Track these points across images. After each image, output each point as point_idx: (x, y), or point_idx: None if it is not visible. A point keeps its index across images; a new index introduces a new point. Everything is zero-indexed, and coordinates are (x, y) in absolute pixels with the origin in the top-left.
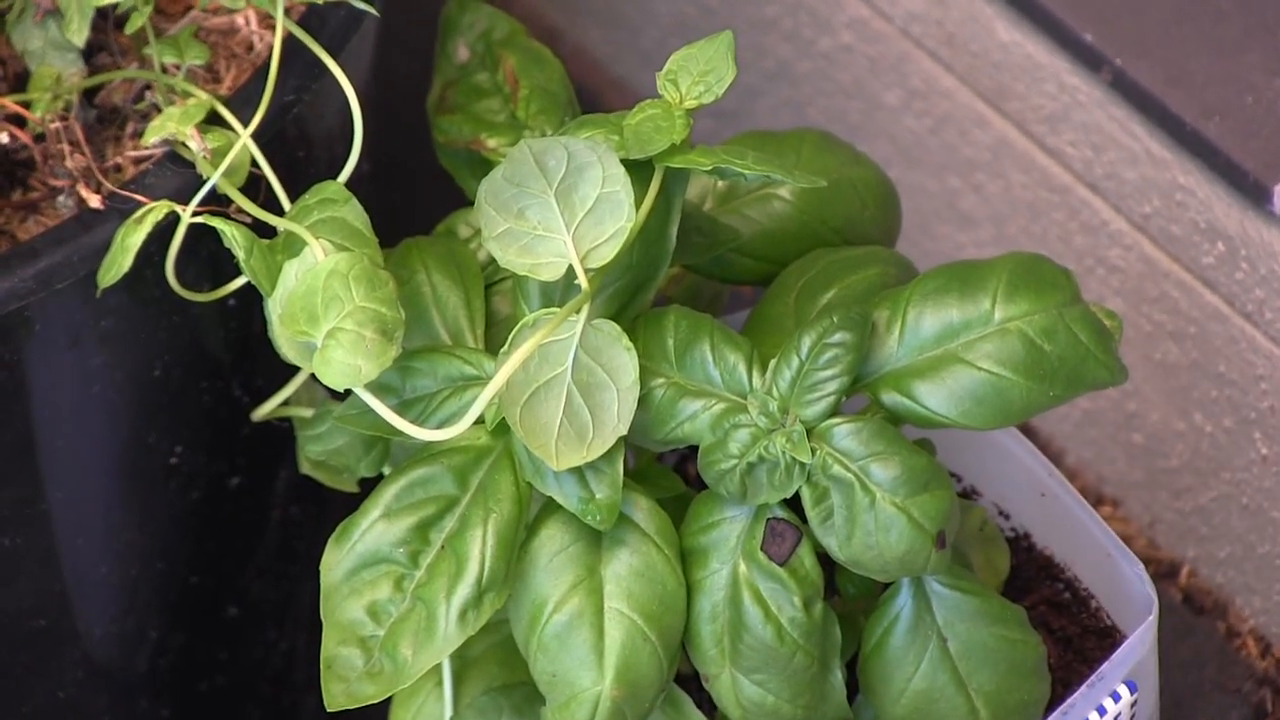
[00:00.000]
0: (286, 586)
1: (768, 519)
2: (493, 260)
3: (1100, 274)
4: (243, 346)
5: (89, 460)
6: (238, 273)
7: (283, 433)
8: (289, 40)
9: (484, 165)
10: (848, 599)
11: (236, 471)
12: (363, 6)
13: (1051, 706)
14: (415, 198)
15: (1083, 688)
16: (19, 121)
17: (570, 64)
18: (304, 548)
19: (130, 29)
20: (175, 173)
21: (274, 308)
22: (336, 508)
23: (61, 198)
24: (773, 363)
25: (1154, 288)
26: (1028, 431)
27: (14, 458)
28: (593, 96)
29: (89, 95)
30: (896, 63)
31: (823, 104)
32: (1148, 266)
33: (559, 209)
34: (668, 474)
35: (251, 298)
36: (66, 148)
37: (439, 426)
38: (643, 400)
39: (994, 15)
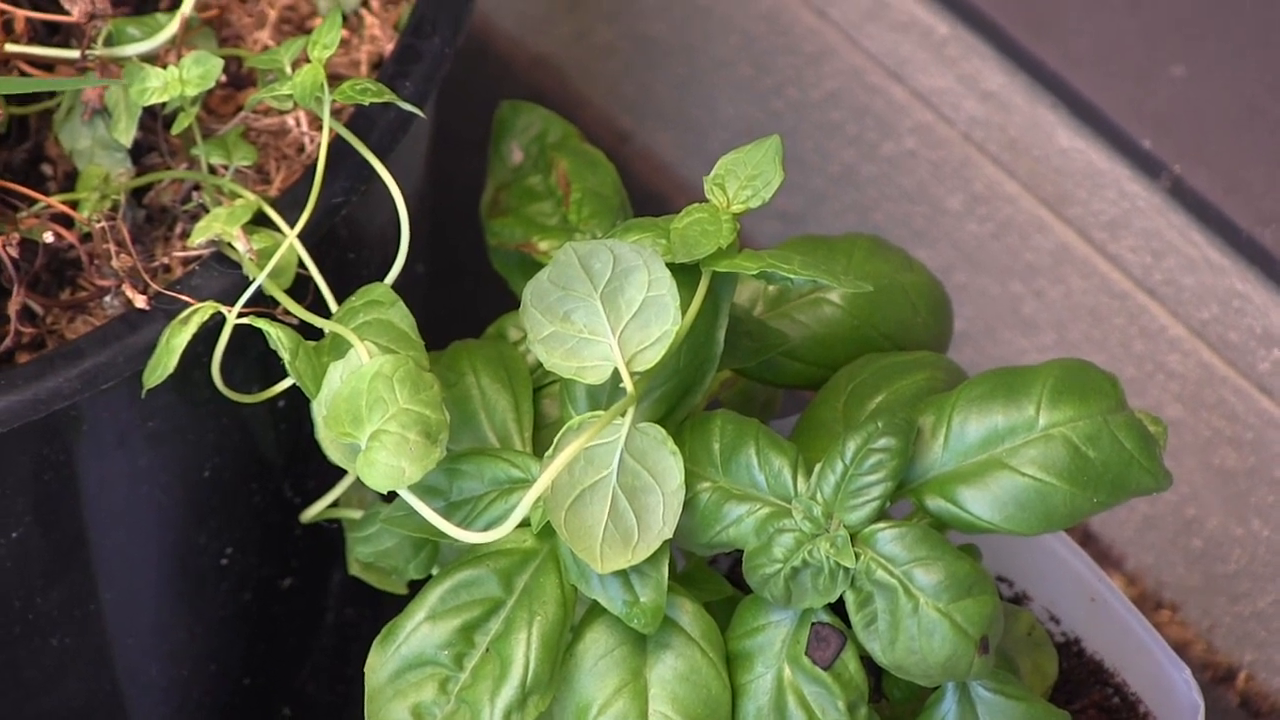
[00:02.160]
0: (342, 688)
1: (812, 623)
2: (541, 364)
3: (1160, 379)
4: (293, 447)
5: (139, 560)
6: (283, 372)
7: (334, 534)
8: (338, 142)
9: (535, 268)
10: (894, 703)
11: (289, 573)
12: (410, 109)
13: None
14: (469, 299)
15: None
16: (66, 221)
17: (638, 166)
18: (358, 649)
19: (177, 129)
20: (222, 273)
21: (319, 409)
22: (390, 609)
23: (108, 297)
24: (818, 467)
25: (1212, 393)
26: (1087, 536)
27: (64, 557)
28: (661, 199)
29: (137, 195)
30: (959, 167)
31: (887, 208)
32: (1205, 372)
33: (605, 312)
34: (714, 577)
35: (300, 399)
36: (113, 248)
37: (485, 529)
38: (688, 504)
39: (1055, 122)
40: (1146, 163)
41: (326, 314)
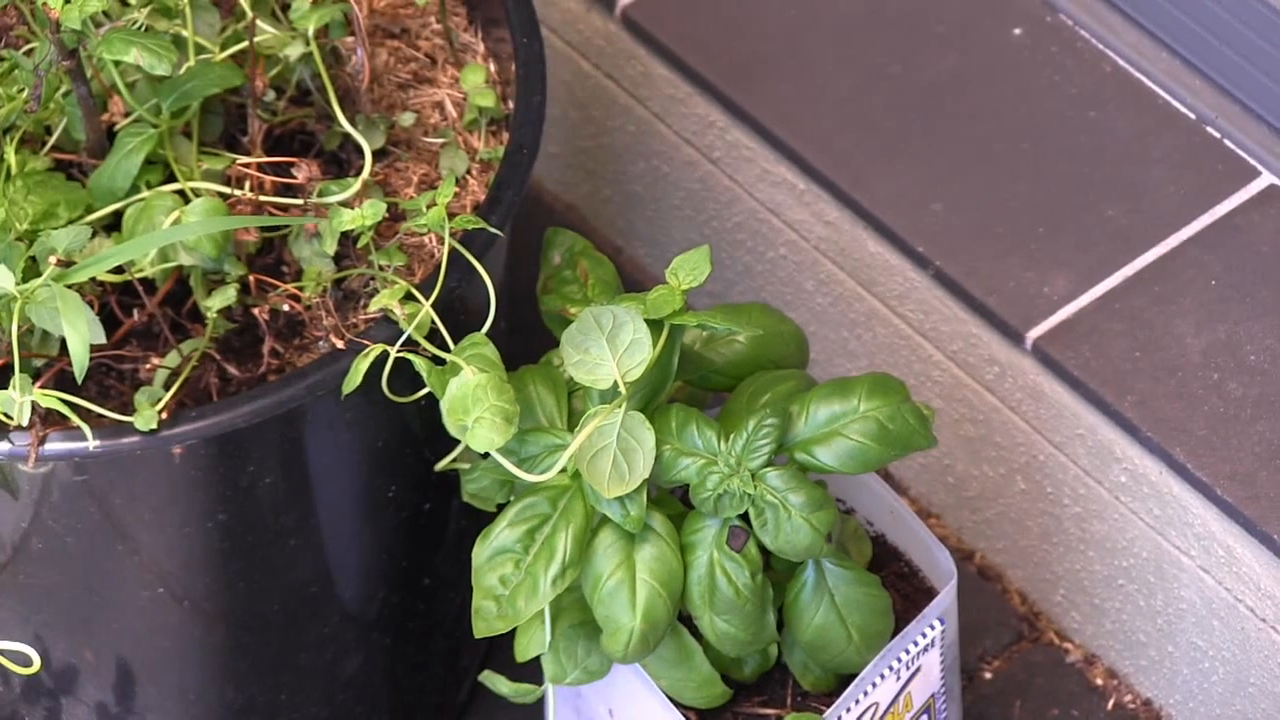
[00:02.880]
0: (458, 567)
1: (730, 526)
2: (572, 377)
3: (929, 385)
4: (430, 426)
5: (341, 495)
6: (424, 385)
7: (454, 477)
8: (453, 250)
9: (568, 323)
10: (777, 572)
11: (428, 500)
12: (495, 232)
13: (895, 633)
14: (530, 342)
15: (913, 623)
16: (296, 298)
17: (626, 267)
18: (468, 543)
19: (361, 244)
20: (387, 328)
21: (445, 405)
22: (486, 520)
23: (321, 343)
24: (732, 436)
25: (959, 393)
26: (887, 474)
27: (296, 495)
28: (639, 285)
29: (337, 283)
30: (811, 265)
31: (770, 289)
32: (955, 380)
33: (608, 348)
34: (673, 500)
35: (433, 399)
36: (324, 314)
37: (540, 473)
38: (657, 458)
39: (866, 237)
40: (920, 260)
41: (447, 350)
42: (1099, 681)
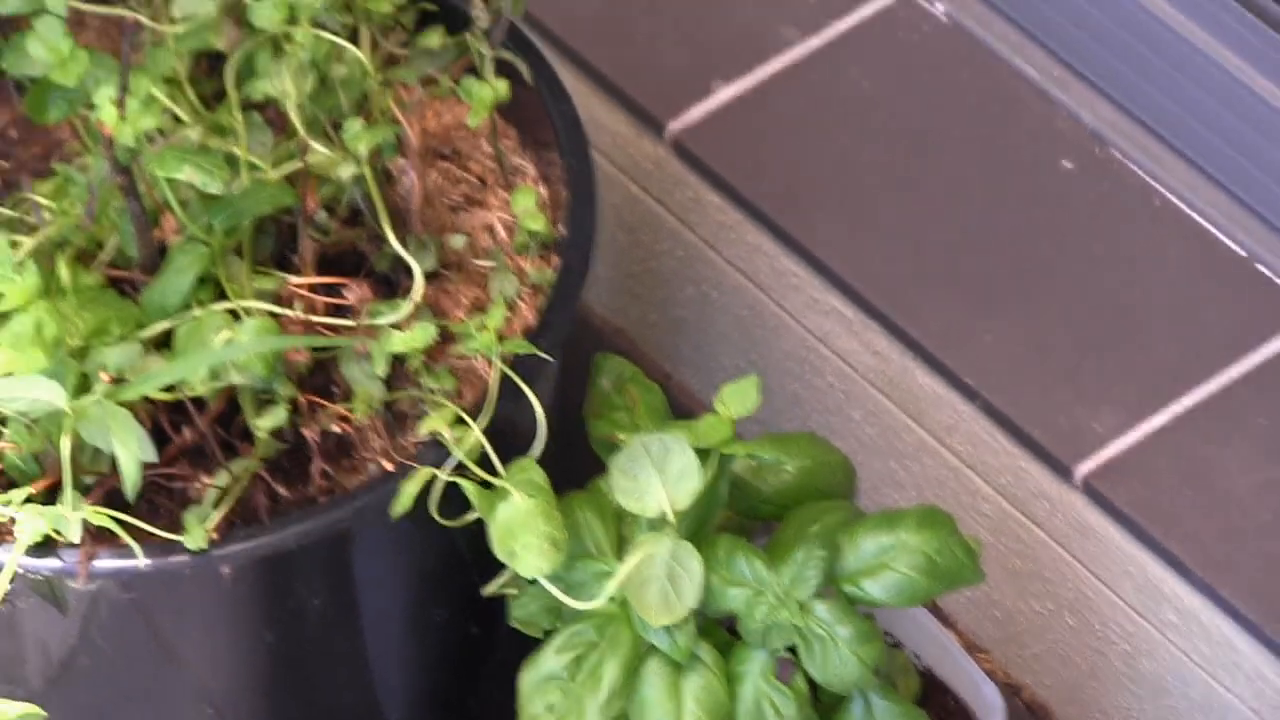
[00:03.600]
0: (505, 692)
1: (778, 658)
2: (620, 505)
3: (975, 518)
4: (478, 550)
5: (388, 618)
6: (472, 508)
7: (501, 601)
8: (503, 374)
9: (617, 449)
10: (824, 704)
11: (475, 624)
12: (545, 357)
13: None
14: (579, 466)
15: None
16: (346, 420)
17: (675, 393)
18: (515, 669)
19: (411, 366)
20: (437, 451)
21: (493, 530)
22: (533, 645)
23: (371, 464)
24: (780, 567)
25: (1006, 527)
26: (935, 607)
27: (344, 616)
28: (687, 412)
29: (387, 405)
30: (860, 395)
31: (817, 418)
32: (1003, 514)
33: (658, 476)
34: (720, 630)
35: (481, 523)
36: (373, 436)
37: (588, 600)
38: (705, 587)
39: (916, 368)
40: (969, 392)
41: (496, 474)
42: None
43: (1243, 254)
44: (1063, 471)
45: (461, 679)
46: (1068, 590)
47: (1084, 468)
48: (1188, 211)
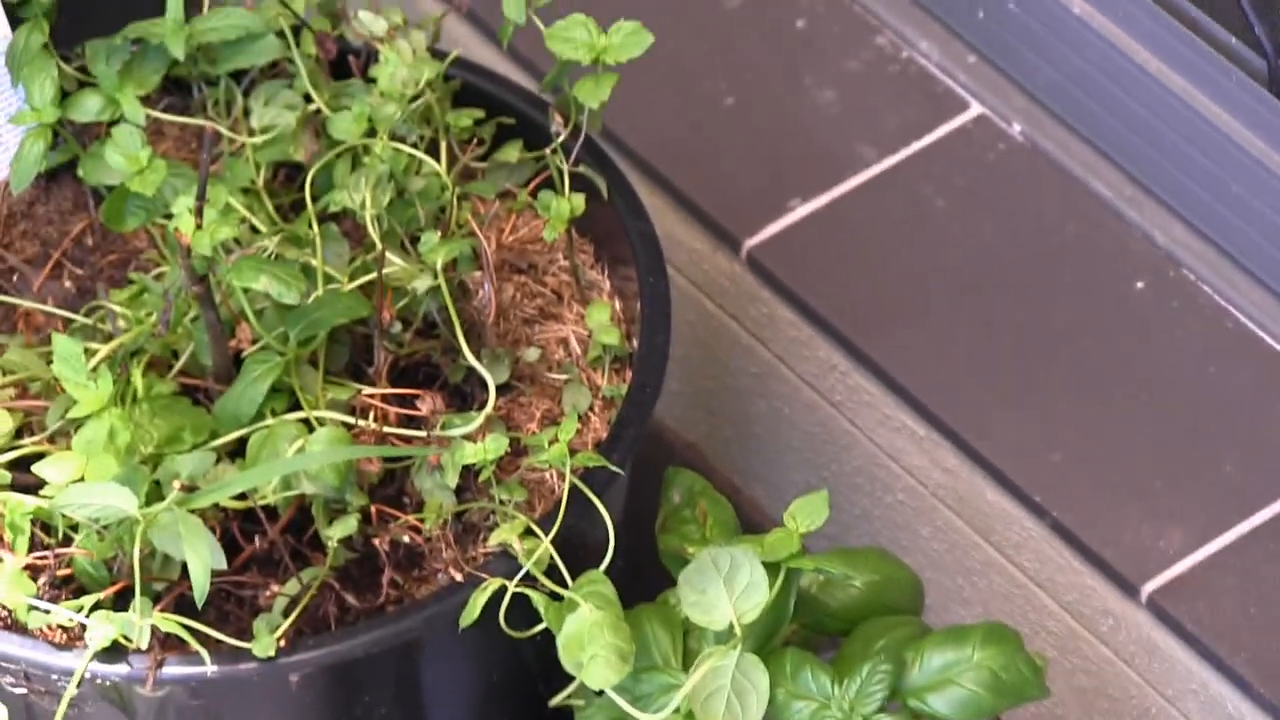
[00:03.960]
0: None
1: None
2: (688, 617)
3: (1042, 635)
4: (545, 661)
5: None
6: (540, 619)
7: (569, 712)
8: (574, 487)
9: (686, 563)
10: None
11: None
12: (616, 470)
13: None
14: (648, 580)
15: None
16: (416, 530)
17: (744, 507)
18: None
19: (482, 478)
20: (506, 562)
21: (561, 642)
22: None
23: (440, 574)
24: (845, 681)
25: (1073, 645)
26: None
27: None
28: (757, 526)
29: (457, 516)
30: (929, 512)
31: (886, 534)
32: (1069, 631)
33: (725, 589)
34: None
35: (549, 635)
36: (443, 546)
37: (655, 713)
38: (771, 700)
39: (985, 486)
40: (1037, 510)
41: (565, 586)
42: None
43: None
44: (1129, 589)
45: None
46: (1132, 708)
47: (1150, 586)
48: (1259, 333)
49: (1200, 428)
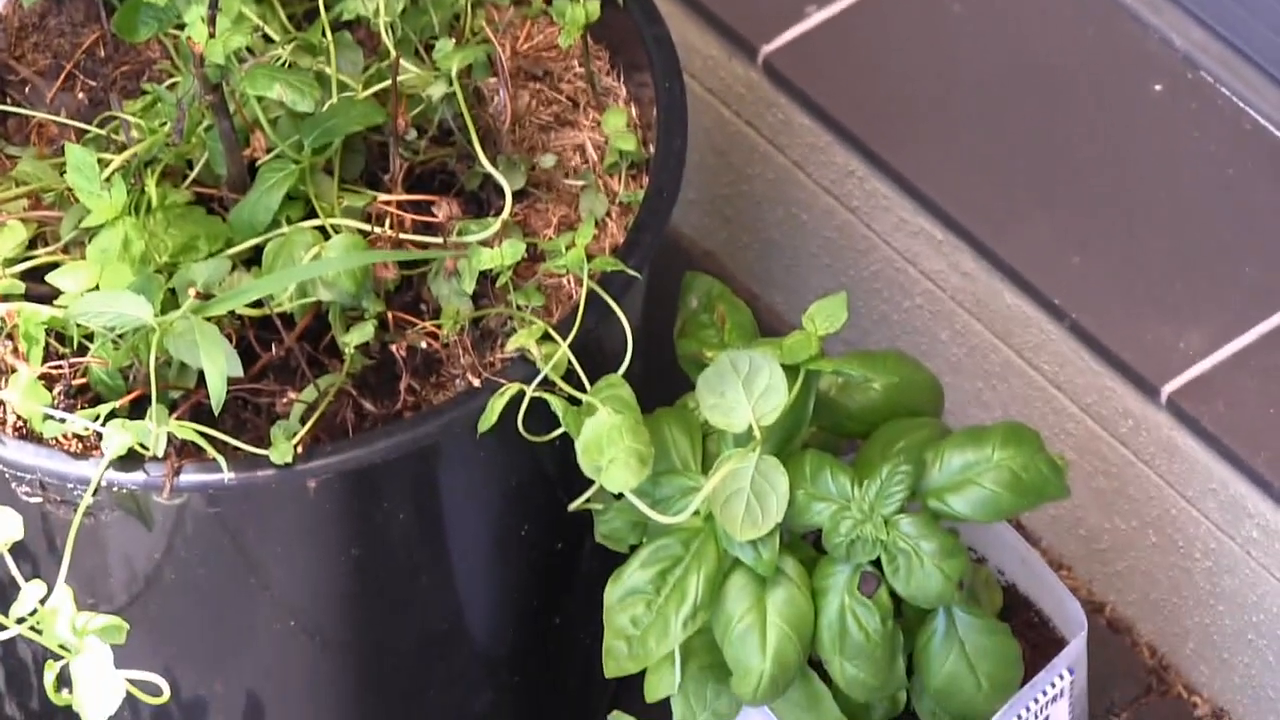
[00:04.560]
0: (588, 608)
1: (862, 572)
2: (707, 421)
3: (1062, 437)
4: (563, 466)
5: (473, 533)
6: (559, 424)
7: (586, 518)
8: (591, 291)
9: (705, 367)
10: (907, 619)
11: (560, 540)
12: (634, 274)
13: (1024, 682)
14: (665, 386)
15: (1042, 673)
16: (434, 336)
17: (761, 314)
18: (601, 583)
19: (499, 284)
20: (524, 367)
21: (579, 447)
22: (618, 560)
23: (458, 380)
24: (866, 482)
25: (1092, 446)
26: (1019, 524)
27: (429, 532)
28: (773, 332)
29: (475, 322)
30: (948, 316)
31: (904, 338)
32: (1089, 433)
33: (744, 393)
34: (805, 545)
35: (568, 439)
36: (461, 352)
37: (674, 515)
38: (791, 502)
39: (1003, 289)
40: (1057, 312)
41: (584, 390)
42: None
43: None
44: (1149, 390)
45: (545, 594)
46: (1152, 508)
47: (1170, 387)
48: (1277, 134)
49: (1219, 229)
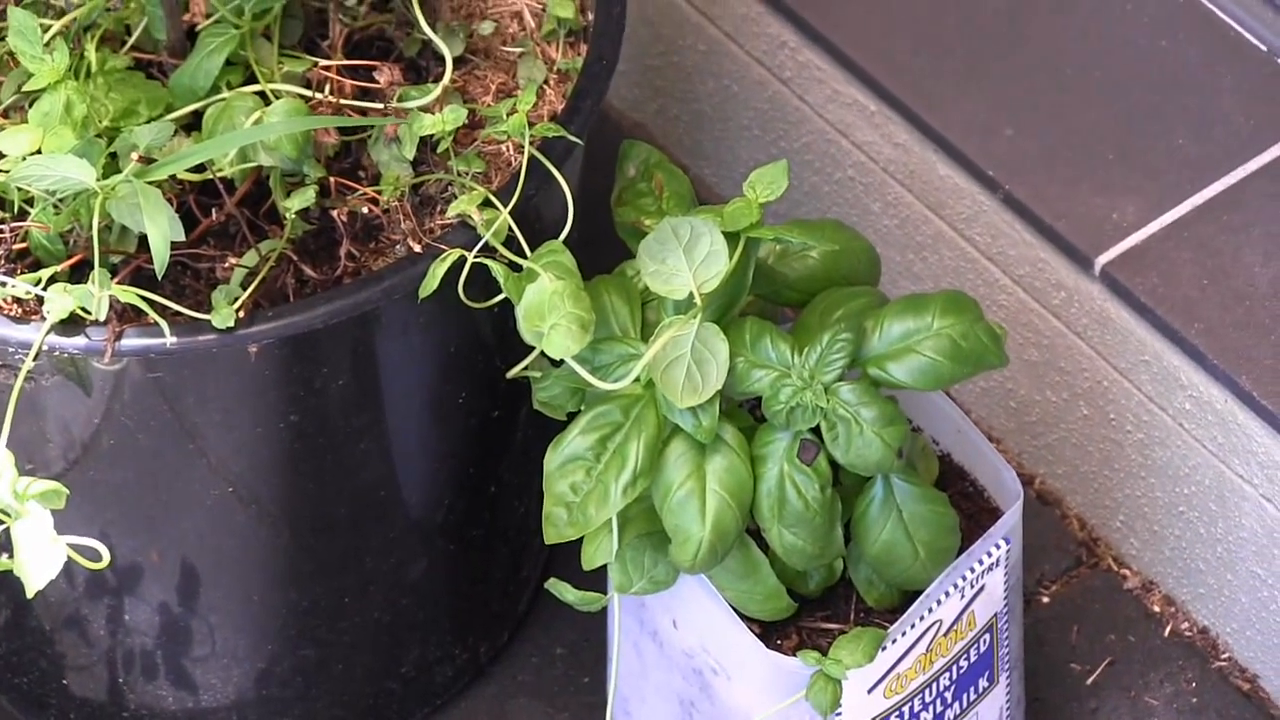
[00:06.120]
0: (524, 476)
1: (801, 439)
2: (647, 288)
3: (993, 308)
4: (502, 334)
5: (412, 400)
6: (500, 290)
7: (523, 386)
8: (532, 158)
9: (643, 235)
10: (845, 486)
11: (497, 408)
12: (574, 140)
13: (961, 552)
14: (605, 251)
15: (979, 541)
16: (374, 202)
17: (694, 187)
18: (537, 452)
19: (439, 150)
20: (465, 233)
21: (520, 312)
22: (555, 429)
23: (398, 246)
24: (806, 349)
25: (1024, 317)
26: (950, 395)
27: (367, 398)
28: (705, 204)
29: (415, 188)
30: (879, 187)
31: (836, 209)
32: (1020, 305)
33: (685, 259)
34: (744, 413)
35: (507, 305)
36: (402, 218)
37: (614, 382)
38: (731, 370)
39: (936, 160)
40: (990, 184)
41: (524, 257)
42: (1156, 608)
43: (1263, 49)
44: (1082, 262)
45: (482, 462)
46: (1084, 380)
47: (1104, 258)
48: (1210, 6)
49: (1152, 101)
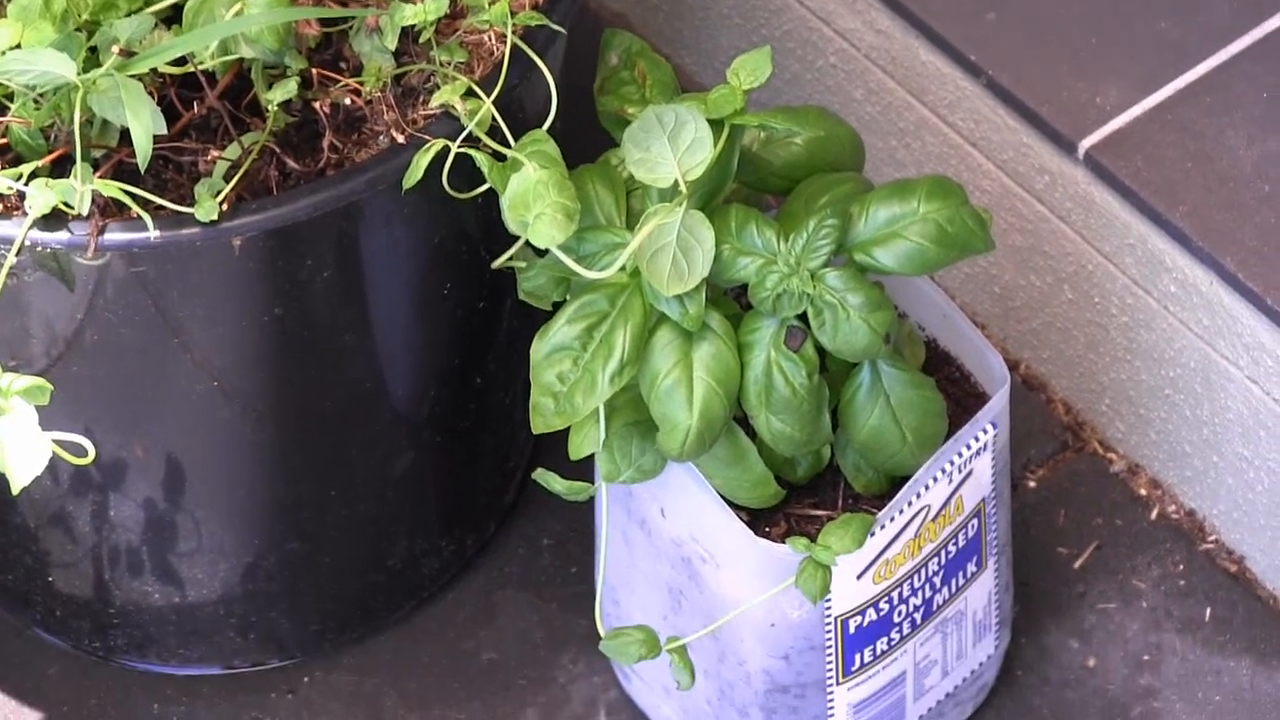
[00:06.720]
0: (509, 367)
1: (788, 326)
2: (631, 177)
3: (978, 194)
4: (486, 224)
5: (396, 292)
6: (483, 181)
7: (510, 274)
8: (515, 48)
9: (626, 124)
10: (832, 373)
11: (482, 299)
12: (557, 28)
13: (948, 437)
14: (587, 143)
15: (966, 426)
16: (356, 93)
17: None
18: (523, 343)
19: (421, 40)
20: (448, 123)
21: (505, 202)
22: (541, 318)
23: (381, 138)
24: (792, 236)
25: (1008, 202)
26: (936, 281)
27: (352, 290)
28: (686, 92)
29: (397, 79)
30: (861, 74)
31: (818, 97)
32: (1004, 190)
33: (670, 147)
34: (730, 301)
35: (493, 195)
36: (384, 109)
37: (600, 271)
38: (716, 257)
39: (919, 46)
40: (972, 69)
41: (508, 146)
42: (1142, 491)
43: None
44: (1066, 146)
45: (467, 353)
46: (1068, 264)
47: (1087, 142)
48: None
49: None
